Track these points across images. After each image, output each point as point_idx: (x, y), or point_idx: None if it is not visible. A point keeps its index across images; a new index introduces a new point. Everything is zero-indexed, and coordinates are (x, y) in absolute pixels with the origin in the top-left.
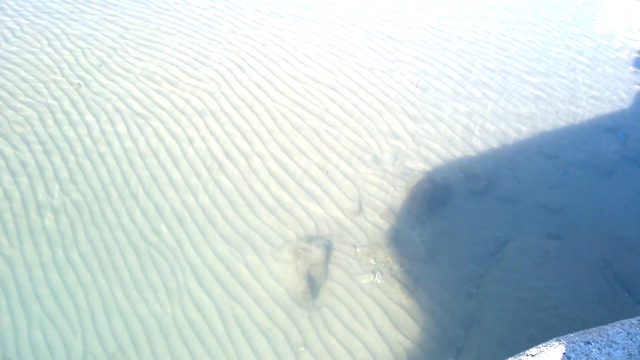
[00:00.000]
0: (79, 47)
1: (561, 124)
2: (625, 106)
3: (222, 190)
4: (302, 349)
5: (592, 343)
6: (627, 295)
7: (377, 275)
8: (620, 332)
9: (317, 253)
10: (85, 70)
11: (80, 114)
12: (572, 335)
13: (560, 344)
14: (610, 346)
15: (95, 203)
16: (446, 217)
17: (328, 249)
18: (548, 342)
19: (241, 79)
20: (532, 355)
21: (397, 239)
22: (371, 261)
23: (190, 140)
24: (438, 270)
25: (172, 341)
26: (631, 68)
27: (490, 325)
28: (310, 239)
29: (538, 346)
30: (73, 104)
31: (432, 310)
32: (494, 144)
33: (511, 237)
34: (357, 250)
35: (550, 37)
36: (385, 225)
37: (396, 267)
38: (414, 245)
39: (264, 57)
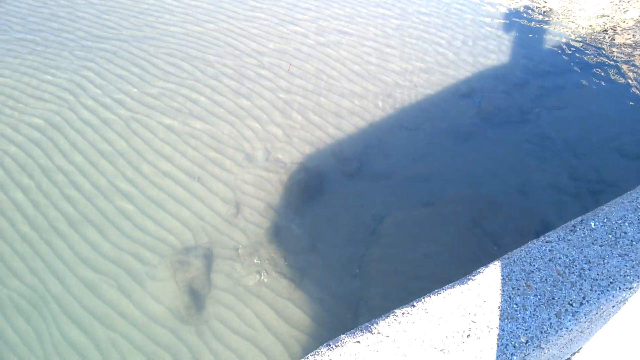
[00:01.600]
0: None
1: (419, 96)
2: (475, 70)
3: (81, 213)
4: None
5: None
6: (496, 248)
7: (262, 275)
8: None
9: (196, 264)
10: None
11: None
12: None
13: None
14: None
15: None
16: (324, 204)
17: (208, 257)
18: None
19: (94, 96)
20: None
21: (279, 234)
22: (255, 261)
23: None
24: (321, 258)
25: None
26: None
27: (376, 302)
28: (187, 250)
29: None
30: None
31: (320, 299)
32: (361, 125)
33: (387, 213)
34: (240, 252)
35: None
36: (265, 222)
37: (281, 262)
38: (296, 237)
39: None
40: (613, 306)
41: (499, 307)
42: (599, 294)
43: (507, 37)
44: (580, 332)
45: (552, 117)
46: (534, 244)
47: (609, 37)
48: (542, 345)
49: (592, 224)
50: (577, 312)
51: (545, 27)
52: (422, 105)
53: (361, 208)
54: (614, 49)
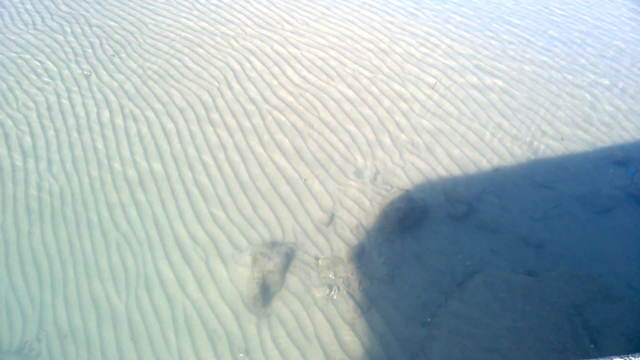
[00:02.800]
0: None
1: (563, 151)
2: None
3: (198, 187)
4: (241, 355)
5: None
6: (592, 346)
7: (333, 290)
8: None
9: (276, 260)
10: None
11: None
12: None
13: None
14: None
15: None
16: (418, 239)
17: (289, 257)
18: None
19: (241, 79)
20: None
21: (362, 256)
22: (330, 275)
23: (180, 136)
24: (396, 294)
25: (120, 333)
26: None
27: (436, 359)
28: (273, 245)
29: None
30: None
31: (382, 335)
32: (486, 166)
33: (481, 269)
34: (319, 262)
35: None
36: (353, 240)
37: (355, 285)
38: (377, 265)
39: (268, 59)
40: None
41: None
42: None
43: None
44: None
45: None
46: None
47: None
48: None
49: None
50: None
51: None
52: (563, 163)
53: (455, 256)
54: None
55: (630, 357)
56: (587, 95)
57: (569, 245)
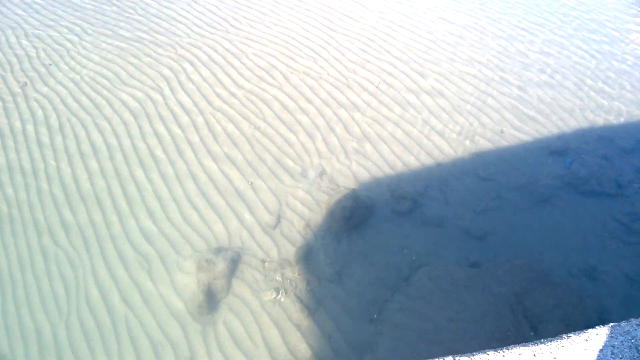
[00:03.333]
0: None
1: (503, 144)
2: (578, 125)
3: (139, 192)
4: None
5: None
6: (532, 333)
7: (280, 293)
8: None
9: (221, 266)
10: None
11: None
12: None
13: None
14: None
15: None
16: (364, 237)
17: (235, 262)
18: None
19: (179, 86)
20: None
21: (309, 257)
22: (277, 277)
23: (119, 140)
24: (344, 292)
25: (61, 346)
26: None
27: (383, 355)
28: (218, 251)
29: None
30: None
31: (330, 334)
32: (429, 163)
33: (426, 262)
34: (266, 265)
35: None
36: (300, 241)
37: (302, 286)
38: (324, 264)
39: (210, 61)
40: None
41: None
42: None
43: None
44: None
45: None
46: None
47: None
48: None
49: None
50: None
51: None
52: (503, 155)
53: (401, 251)
54: None
55: (571, 335)
56: (522, 89)
57: (509, 236)
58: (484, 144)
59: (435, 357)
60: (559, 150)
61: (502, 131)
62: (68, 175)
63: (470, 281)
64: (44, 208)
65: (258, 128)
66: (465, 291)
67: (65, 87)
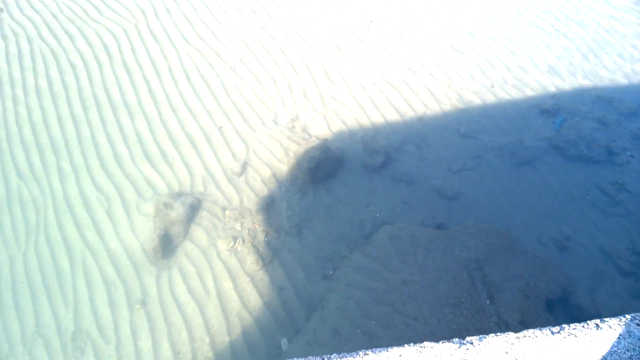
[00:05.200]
0: None
1: (492, 99)
2: (577, 84)
3: (105, 131)
4: (137, 306)
5: None
6: (488, 302)
7: (238, 242)
8: None
9: (179, 211)
10: None
11: None
12: None
13: None
14: None
15: None
16: (330, 190)
17: (195, 208)
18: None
19: (159, 18)
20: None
21: (271, 208)
22: (237, 226)
23: (90, 78)
24: (301, 246)
25: (16, 280)
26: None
27: (332, 312)
28: (178, 195)
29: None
30: None
31: (281, 287)
32: (410, 115)
33: (390, 221)
34: (226, 213)
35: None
36: (264, 190)
37: (260, 237)
38: (286, 217)
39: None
40: None
41: None
42: None
43: None
44: None
45: None
46: None
47: None
48: None
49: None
50: None
51: None
52: (489, 111)
53: (366, 208)
54: None
55: (564, 326)
56: (524, 39)
57: (483, 198)
58: (471, 99)
59: (382, 320)
60: (551, 109)
61: (492, 85)
62: (37, 117)
63: (431, 243)
64: (12, 148)
65: (234, 69)
66: (424, 253)
67: (41, 15)
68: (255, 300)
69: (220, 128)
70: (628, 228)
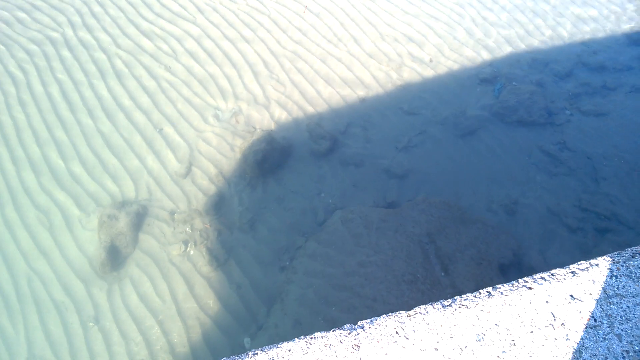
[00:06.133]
0: None
1: (431, 74)
2: (512, 50)
3: (39, 147)
4: (91, 324)
5: None
6: (442, 274)
7: (189, 246)
8: None
9: (125, 221)
10: None
11: None
12: None
13: None
14: None
15: None
16: (280, 181)
17: (141, 215)
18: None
19: (87, 22)
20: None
21: (221, 206)
22: (187, 229)
23: (19, 94)
24: (255, 241)
25: None
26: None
27: (291, 303)
28: (122, 205)
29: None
30: None
31: (239, 285)
32: (352, 98)
33: (342, 205)
34: (175, 216)
35: None
36: (212, 189)
37: (213, 237)
38: (237, 213)
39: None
40: None
41: None
42: None
43: (575, 14)
44: None
45: (584, 124)
46: None
47: None
48: None
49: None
50: None
51: None
52: (430, 86)
53: (317, 195)
54: None
55: (552, 272)
56: (453, 11)
57: (431, 172)
58: (410, 75)
59: (342, 304)
60: (489, 77)
61: (430, 60)
62: None
63: (383, 223)
64: None
65: (169, 68)
66: (377, 234)
67: None
68: (213, 302)
69: (160, 130)
70: (573, 186)
